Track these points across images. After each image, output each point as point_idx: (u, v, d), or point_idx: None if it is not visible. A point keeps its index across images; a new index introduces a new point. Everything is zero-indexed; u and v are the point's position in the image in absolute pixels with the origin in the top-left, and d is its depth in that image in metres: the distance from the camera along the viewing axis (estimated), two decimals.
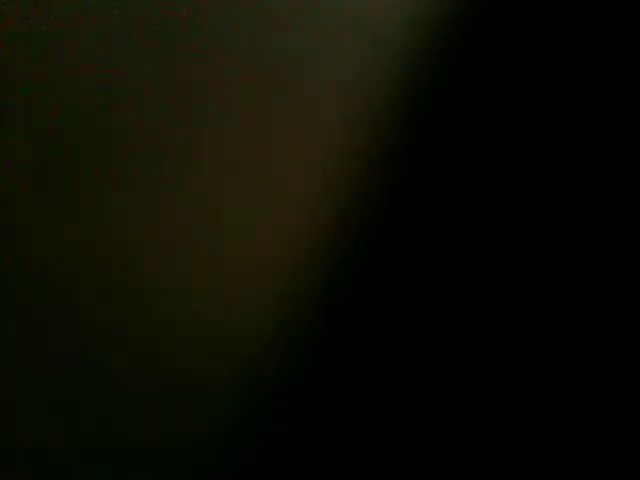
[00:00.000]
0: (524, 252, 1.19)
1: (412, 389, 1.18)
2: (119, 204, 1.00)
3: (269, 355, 1.10)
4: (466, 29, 1.15)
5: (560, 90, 1.19)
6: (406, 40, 1.12)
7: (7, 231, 0.94)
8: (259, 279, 1.08)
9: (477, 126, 1.17)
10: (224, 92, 1.03)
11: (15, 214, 0.94)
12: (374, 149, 1.12)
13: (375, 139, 1.12)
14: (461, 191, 1.17)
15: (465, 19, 1.15)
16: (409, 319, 1.17)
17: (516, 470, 1.20)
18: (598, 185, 1.20)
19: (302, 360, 1.12)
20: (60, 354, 0.98)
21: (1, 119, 0.93)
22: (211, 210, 1.05)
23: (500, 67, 1.17)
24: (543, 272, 1.20)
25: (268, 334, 1.09)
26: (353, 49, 1.09)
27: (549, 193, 1.20)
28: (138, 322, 1.02)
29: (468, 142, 1.17)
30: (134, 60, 0.98)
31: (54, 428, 0.98)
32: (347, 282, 1.13)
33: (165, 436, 1.05)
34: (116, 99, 0.98)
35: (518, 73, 1.18)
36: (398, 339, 1.17)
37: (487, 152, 1.18)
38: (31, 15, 0.93)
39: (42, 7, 0.93)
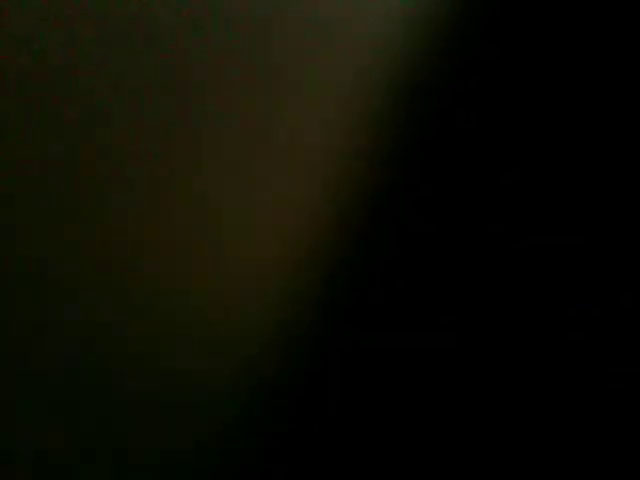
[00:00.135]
0: (524, 252, 1.19)
1: (412, 389, 1.18)
2: (119, 204, 1.00)
3: (269, 355, 1.10)
4: (466, 29, 1.15)
5: (560, 90, 1.19)
6: (406, 40, 1.12)
7: (7, 231, 0.94)
8: (259, 279, 1.08)
9: (477, 126, 1.17)
10: (224, 92, 1.03)
11: (15, 214, 0.94)
12: (374, 149, 1.12)
13: (375, 139, 1.12)
14: (461, 191, 1.17)
15: (465, 19, 1.15)
16: (409, 319, 1.17)
17: (516, 470, 1.20)
18: (598, 185, 1.20)
19: (302, 360, 1.12)
20: (60, 354, 0.98)
21: (1, 119, 0.93)
22: (211, 210, 1.05)
23: (500, 67, 1.17)
24: (543, 272, 1.20)
25: (268, 334, 1.09)
26: (353, 49, 1.09)
27: (549, 193, 1.20)
28: (138, 322, 1.02)
29: (468, 142, 1.17)
30: (134, 60, 0.98)
31: (54, 428, 0.98)
32: (347, 282, 1.13)
33: (165, 436, 1.05)
34: (116, 99, 0.98)
35: (518, 73, 1.18)
36: (398, 339, 1.17)
37: (487, 152, 1.18)
38: (31, 15, 0.93)
39: (42, 7, 0.93)
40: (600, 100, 1.20)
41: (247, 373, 1.09)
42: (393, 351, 1.17)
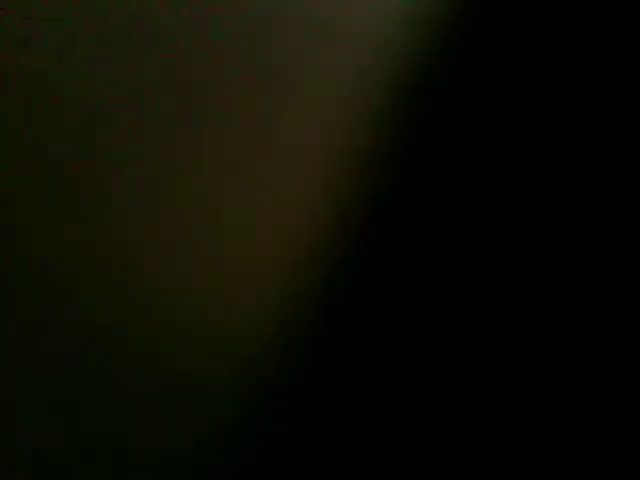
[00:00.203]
0: (524, 252, 1.19)
1: (412, 389, 1.18)
2: (119, 204, 1.00)
3: (269, 355, 1.10)
4: (466, 29, 1.15)
5: (560, 90, 1.19)
6: (406, 40, 1.12)
7: (7, 231, 0.94)
8: (259, 279, 1.08)
9: (477, 126, 1.17)
10: (224, 92, 1.03)
11: (15, 214, 0.94)
12: (374, 149, 1.12)
13: (375, 139, 1.12)
14: (461, 191, 1.17)
15: (465, 19, 1.15)
16: (409, 319, 1.17)
17: (516, 470, 1.20)
18: (598, 185, 1.20)
19: (302, 360, 1.12)
20: (60, 354, 0.98)
21: (1, 119, 0.93)
22: (211, 210, 1.05)
23: (500, 67, 1.17)
24: (543, 272, 1.20)
25: (268, 334, 1.09)
26: (353, 49, 1.09)
27: (549, 193, 1.20)
28: (138, 322, 1.02)
29: (468, 142, 1.17)
30: (134, 60, 0.98)
31: (54, 428, 0.98)
32: (347, 282, 1.13)
33: (165, 436, 1.05)
34: (116, 99, 0.98)
35: (518, 73, 1.18)
36: (398, 339, 1.17)
37: (487, 152, 1.18)
38: (31, 15, 0.93)
39: (42, 7, 0.93)
40: (600, 100, 1.20)
41: (247, 373, 1.09)
42: (393, 351, 1.17)
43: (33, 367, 0.97)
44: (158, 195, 1.01)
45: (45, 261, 0.96)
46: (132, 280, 1.01)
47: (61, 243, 0.97)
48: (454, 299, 1.18)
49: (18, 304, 0.95)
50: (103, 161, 0.98)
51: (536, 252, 1.19)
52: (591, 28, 1.19)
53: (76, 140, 0.96)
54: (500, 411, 1.20)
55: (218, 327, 1.07)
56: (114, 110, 0.98)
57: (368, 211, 1.13)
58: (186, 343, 1.05)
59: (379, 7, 1.10)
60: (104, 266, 1.00)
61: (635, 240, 1.20)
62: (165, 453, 1.05)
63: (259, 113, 1.05)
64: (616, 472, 1.20)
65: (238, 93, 1.04)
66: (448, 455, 1.19)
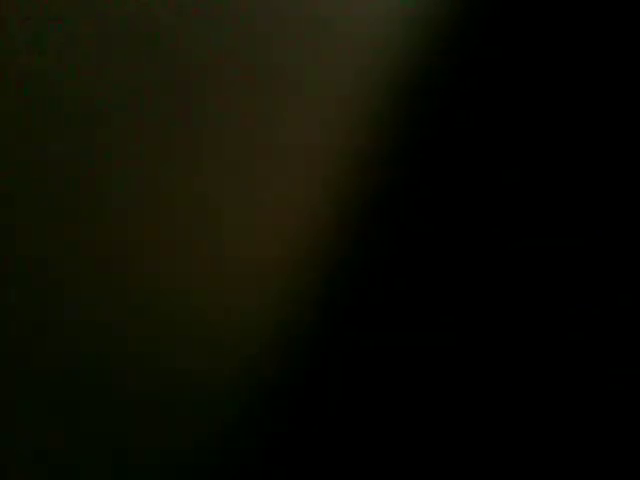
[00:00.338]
0: (524, 252, 1.19)
1: (412, 389, 1.18)
2: (119, 204, 1.00)
3: (269, 355, 1.10)
4: (466, 29, 1.15)
5: (560, 90, 1.19)
6: (406, 40, 1.12)
7: (7, 231, 0.94)
8: (259, 279, 1.08)
9: (477, 126, 1.17)
10: (224, 92, 1.03)
11: (15, 214, 0.94)
12: (374, 149, 1.12)
13: (375, 139, 1.12)
14: (461, 191, 1.17)
15: (465, 19, 1.15)
16: (409, 319, 1.17)
17: (516, 470, 1.20)
18: (598, 185, 1.20)
19: (302, 360, 1.12)
20: (60, 354, 0.98)
21: (1, 119, 0.93)
22: (211, 210, 1.05)
23: (500, 67, 1.17)
24: (543, 272, 1.20)
25: (268, 334, 1.09)
26: (353, 49, 1.09)
27: (549, 193, 1.20)
28: (138, 322, 1.02)
29: (468, 142, 1.17)
30: (134, 60, 0.98)
31: (54, 428, 0.98)
32: (347, 282, 1.13)
33: (165, 436, 1.05)
34: (116, 99, 0.98)
35: (518, 73, 1.18)
36: (398, 339, 1.17)
37: (487, 152, 1.18)
38: (31, 15, 0.93)
39: (42, 7, 0.93)
40: (600, 100, 1.20)
41: (247, 373, 1.09)
42: (393, 351, 1.17)
43: (33, 367, 0.97)
44: (158, 195, 1.01)
45: (45, 261, 0.96)
46: (132, 280, 1.01)
47: (61, 243, 0.97)
48: (454, 299, 1.18)
49: (18, 304, 0.95)
50: (103, 161, 0.98)
51: (536, 252, 1.19)
52: (591, 27, 1.19)
53: (76, 140, 0.96)
54: (500, 411, 1.20)
55: (218, 327, 1.07)
56: (114, 110, 0.98)
57: (368, 211, 1.13)
58: (186, 343, 1.05)
59: (379, 7, 1.10)
60: (104, 266, 1.00)
61: (635, 240, 1.20)
62: (165, 453, 1.05)
63: (259, 113, 1.05)
64: (616, 472, 1.20)
65: (238, 93, 1.04)
66: (448, 455, 1.19)
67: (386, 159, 1.13)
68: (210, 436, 1.08)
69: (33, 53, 0.93)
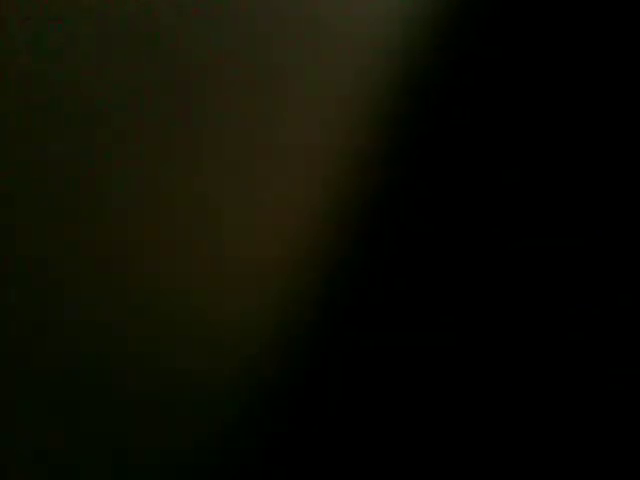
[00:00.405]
0: (524, 252, 1.19)
1: (412, 389, 1.18)
2: (119, 204, 1.00)
3: (269, 355, 1.10)
4: (465, 29, 1.15)
5: (559, 88, 1.19)
6: (405, 40, 1.12)
7: (7, 231, 0.94)
8: (259, 279, 1.08)
9: (476, 125, 1.17)
10: (224, 92, 1.03)
11: (15, 214, 0.94)
12: (374, 149, 1.12)
13: (375, 139, 1.12)
14: (461, 191, 1.17)
15: (464, 19, 1.15)
16: (409, 319, 1.17)
17: (516, 470, 1.20)
18: (598, 185, 1.20)
19: (302, 360, 1.12)
20: (60, 354, 0.98)
21: (1, 119, 0.93)
22: (211, 210, 1.05)
23: (499, 67, 1.17)
24: (543, 272, 1.20)
25: (268, 334, 1.09)
26: (353, 49, 1.09)
27: (549, 193, 1.20)
28: (138, 322, 1.02)
29: (468, 141, 1.17)
30: (134, 60, 0.98)
31: (54, 428, 0.98)
32: (347, 282, 1.13)
33: (165, 436, 1.05)
34: (116, 99, 0.98)
35: (517, 72, 1.18)
36: (398, 339, 1.17)
37: (487, 151, 1.18)
38: (31, 15, 0.93)
39: (42, 7, 0.93)
40: (600, 99, 1.20)
41: (247, 373, 1.09)
42: (393, 351, 1.17)
43: (33, 367, 0.97)
44: (158, 195, 1.01)
45: (45, 261, 0.96)
46: (132, 280, 1.01)
47: (61, 243, 0.97)
48: (454, 299, 1.18)
49: (18, 304, 0.95)
50: (103, 161, 0.98)
51: (536, 252, 1.19)
52: (590, 27, 1.19)
53: (76, 140, 0.96)
54: (500, 411, 1.20)
55: (218, 327, 1.07)
56: (114, 110, 0.98)
57: (368, 211, 1.13)
58: (186, 343, 1.05)
59: (379, 7, 1.10)
60: (104, 266, 1.00)
61: (635, 240, 1.20)
62: (165, 453, 1.05)
63: (259, 113, 1.05)
64: (616, 472, 1.20)
65: (238, 93, 1.04)
66: (448, 455, 1.19)
67: (386, 159, 1.13)
68: (210, 436, 1.08)
69: (33, 53, 0.93)
